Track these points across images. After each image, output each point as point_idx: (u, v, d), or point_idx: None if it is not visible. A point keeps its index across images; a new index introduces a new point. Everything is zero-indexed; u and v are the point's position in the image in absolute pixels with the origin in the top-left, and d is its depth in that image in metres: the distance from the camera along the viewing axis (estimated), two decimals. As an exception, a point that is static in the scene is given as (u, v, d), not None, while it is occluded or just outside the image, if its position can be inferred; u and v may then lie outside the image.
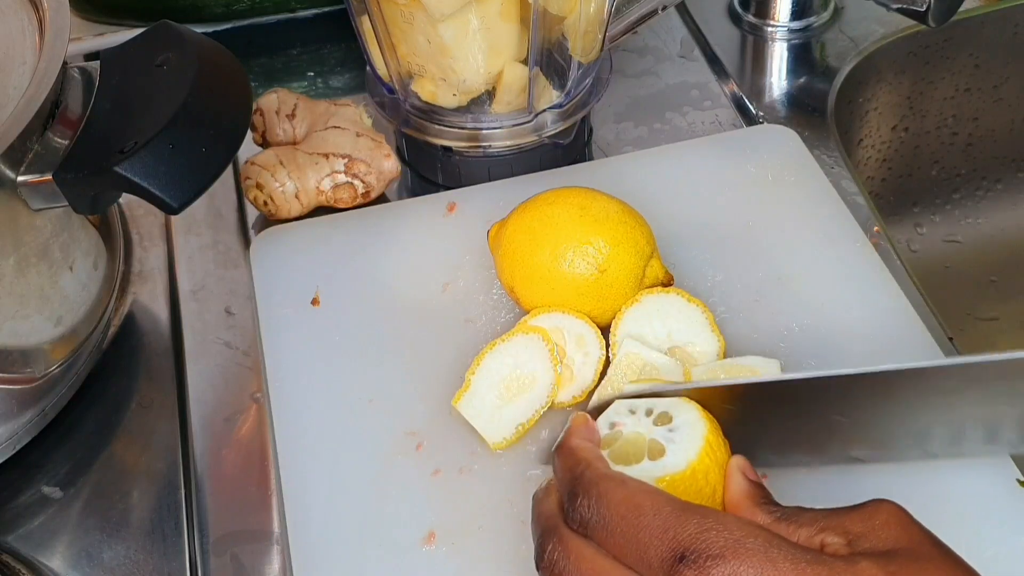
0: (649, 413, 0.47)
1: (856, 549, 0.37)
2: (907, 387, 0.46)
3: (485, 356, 0.55)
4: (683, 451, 0.44)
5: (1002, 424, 0.48)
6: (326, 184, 0.66)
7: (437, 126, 0.68)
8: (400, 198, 0.70)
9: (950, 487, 0.52)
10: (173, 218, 0.70)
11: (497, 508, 0.52)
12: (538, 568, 0.41)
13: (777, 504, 0.41)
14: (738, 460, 0.44)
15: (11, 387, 0.55)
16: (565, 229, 0.57)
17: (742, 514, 0.41)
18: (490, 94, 0.66)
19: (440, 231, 0.65)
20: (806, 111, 0.76)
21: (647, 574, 0.37)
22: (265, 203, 0.67)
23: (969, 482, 0.52)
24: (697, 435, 0.45)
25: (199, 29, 0.58)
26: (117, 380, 0.62)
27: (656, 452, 0.44)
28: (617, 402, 0.48)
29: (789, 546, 0.36)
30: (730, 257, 0.62)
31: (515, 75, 0.65)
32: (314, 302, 0.62)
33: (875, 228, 0.66)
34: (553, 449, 0.45)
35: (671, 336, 0.56)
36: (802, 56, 0.81)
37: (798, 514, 0.40)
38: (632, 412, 0.47)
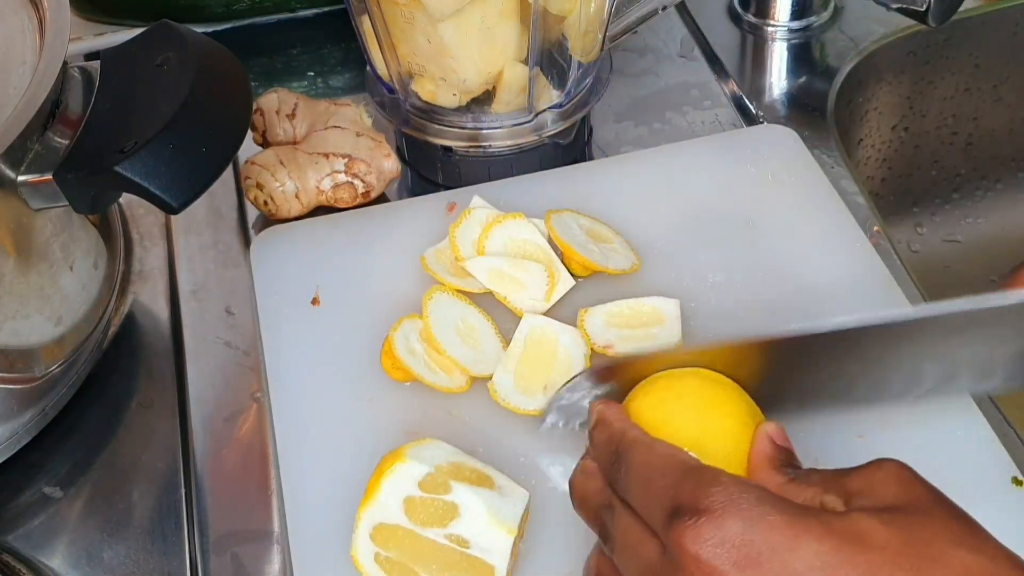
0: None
1: (853, 506, 0.38)
2: (901, 338, 0.48)
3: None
4: None
5: (995, 365, 0.50)
6: (326, 184, 0.66)
7: (437, 126, 0.68)
8: (400, 198, 0.70)
9: (948, 487, 0.51)
10: (173, 218, 0.70)
11: (497, 508, 0.52)
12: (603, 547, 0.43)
13: (795, 467, 0.43)
14: (767, 426, 0.45)
15: (11, 387, 0.55)
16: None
17: (759, 476, 0.43)
18: (490, 94, 0.66)
19: (440, 231, 0.65)
20: (806, 111, 0.76)
21: (658, 531, 0.39)
22: (265, 203, 0.67)
23: (966, 481, 0.52)
24: None
25: (199, 29, 0.58)
26: (117, 380, 0.62)
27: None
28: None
29: (782, 503, 0.37)
30: (729, 257, 0.62)
31: (515, 75, 0.65)
32: (314, 302, 0.62)
33: (875, 228, 0.66)
34: (588, 430, 0.46)
35: None
36: (802, 56, 0.81)
37: (807, 475, 0.41)
38: None
